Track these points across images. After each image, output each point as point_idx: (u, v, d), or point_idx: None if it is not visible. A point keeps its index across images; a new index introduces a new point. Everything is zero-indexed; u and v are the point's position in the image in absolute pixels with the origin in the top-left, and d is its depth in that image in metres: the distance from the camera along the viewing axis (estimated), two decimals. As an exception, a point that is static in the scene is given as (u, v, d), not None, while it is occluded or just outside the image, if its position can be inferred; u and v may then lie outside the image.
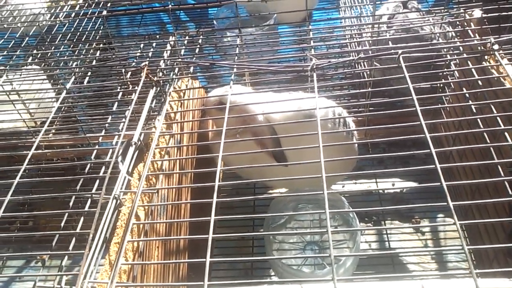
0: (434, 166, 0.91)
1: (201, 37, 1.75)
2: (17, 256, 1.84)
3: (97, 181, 1.17)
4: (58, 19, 1.95)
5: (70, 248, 1.19)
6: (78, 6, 2.02)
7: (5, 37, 1.96)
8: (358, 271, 1.52)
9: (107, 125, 1.58)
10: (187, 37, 1.75)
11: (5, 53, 1.87)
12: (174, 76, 1.47)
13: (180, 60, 1.52)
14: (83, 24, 2.26)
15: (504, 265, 1.26)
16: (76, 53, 2.01)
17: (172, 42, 1.63)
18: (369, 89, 1.67)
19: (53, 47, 1.93)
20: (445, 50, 1.70)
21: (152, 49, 1.65)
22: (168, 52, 1.57)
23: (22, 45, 1.98)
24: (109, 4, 1.86)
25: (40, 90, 1.88)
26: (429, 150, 0.94)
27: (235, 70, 1.33)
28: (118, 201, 1.02)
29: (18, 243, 1.95)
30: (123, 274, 0.91)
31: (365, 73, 1.99)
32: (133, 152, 1.13)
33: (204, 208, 0.97)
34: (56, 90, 2.01)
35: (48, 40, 1.93)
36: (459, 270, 1.60)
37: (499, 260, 1.30)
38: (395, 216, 1.83)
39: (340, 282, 0.75)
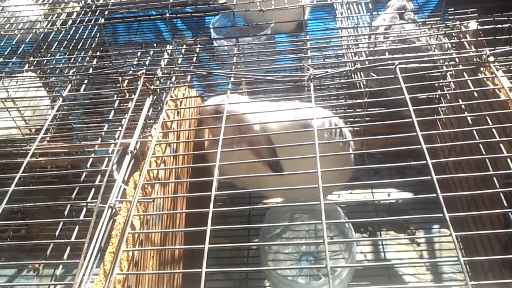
0: (430, 177, 0.91)
1: (198, 45, 1.75)
2: (9, 265, 1.82)
3: (93, 190, 1.16)
4: (54, 26, 1.95)
5: (65, 257, 1.18)
6: (75, 14, 2.02)
7: (1, 44, 1.96)
8: (354, 281, 1.52)
9: (103, 133, 1.58)
10: (184, 46, 1.75)
11: (0, 60, 1.86)
12: (171, 85, 1.47)
13: (177, 68, 1.52)
14: (79, 32, 2.26)
15: (499, 276, 1.26)
16: (72, 61, 2.00)
17: (169, 51, 1.63)
18: (366, 100, 1.68)
19: (49, 55, 1.93)
20: (441, 61, 1.71)
21: (149, 57, 1.64)
22: (165, 60, 1.57)
23: (18, 52, 1.97)
24: (106, 12, 1.86)
25: (35, 98, 1.87)
26: (425, 161, 0.94)
27: (232, 79, 1.33)
28: (114, 210, 1.01)
29: (10, 252, 1.92)
30: (117, 284, 0.91)
31: (361, 83, 2.00)
32: (129, 160, 1.12)
33: (200, 218, 0.97)
34: (52, 98, 2.00)
35: (44, 47, 1.93)
36: (455, 282, 1.59)
37: (494, 272, 1.30)
38: (391, 227, 1.83)
39: (337, 294, 0.75)
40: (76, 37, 2.21)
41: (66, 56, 2.07)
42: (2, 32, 1.87)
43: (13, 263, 1.83)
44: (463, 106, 1.43)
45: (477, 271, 1.42)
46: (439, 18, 1.66)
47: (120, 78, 1.43)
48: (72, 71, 1.88)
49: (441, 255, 1.72)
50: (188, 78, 1.56)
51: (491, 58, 1.27)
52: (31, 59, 1.91)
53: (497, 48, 1.31)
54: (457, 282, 1.59)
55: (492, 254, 1.31)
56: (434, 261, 1.71)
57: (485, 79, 1.30)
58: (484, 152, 1.26)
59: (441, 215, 0.84)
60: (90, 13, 1.91)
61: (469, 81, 1.33)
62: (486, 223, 1.36)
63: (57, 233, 1.40)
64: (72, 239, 1.20)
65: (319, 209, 0.89)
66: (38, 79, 1.94)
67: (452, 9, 1.80)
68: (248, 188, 1.64)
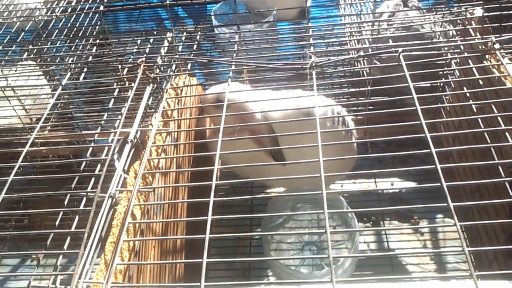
0: (434, 166, 0.89)
1: (199, 33, 1.73)
2: (12, 255, 1.82)
3: (93, 179, 1.15)
4: (54, 14, 1.93)
5: (65, 247, 1.17)
6: (75, 1, 2.00)
7: (1, 32, 1.94)
8: (357, 271, 1.51)
9: (103, 122, 1.56)
10: (185, 33, 1.73)
11: (0, 48, 1.84)
12: (171, 73, 1.45)
13: (177, 56, 1.50)
14: (79, 20, 2.23)
15: (504, 266, 1.25)
16: (72, 49, 1.98)
17: (169, 38, 1.61)
18: (369, 88, 1.66)
19: (49, 43, 1.90)
20: (445, 48, 1.68)
21: (149, 45, 1.63)
22: (166, 48, 1.55)
23: (18, 40, 1.95)
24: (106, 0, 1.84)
25: (35, 86, 1.85)
26: (429, 150, 0.93)
27: (233, 67, 1.31)
28: (114, 199, 1.00)
29: (13, 241, 1.93)
30: (118, 274, 0.90)
31: (364, 71, 1.98)
32: (129, 149, 1.11)
33: (201, 207, 0.96)
34: (52, 86, 1.98)
35: (44, 35, 1.91)
36: (459, 272, 1.58)
37: (499, 262, 1.29)
38: (394, 216, 1.82)
39: (339, 284, 0.74)
40: (76, 25, 2.18)
41: (66, 44, 2.05)
42: (1, 20, 1.85)
43: (15, 253, 1.83)
44: (467, 94, 1.41)
45: (481, 261, 1.41)
46: (443, 5, 1.63)
47: (120, 66, 1.41)
48: (72, 59, 1.86)
49: (445, 245, 1.71)
50: (189, 66, 1.54)
51: (497, 45, 1.24)
52: (31, 47, 1.89)
53: (503, 35, 1.29)
54: (461, 272, 1.58)
55: (497, 244, 1.30)
56: (438, 251, 1.70)
57: (490, 66, 1.28)
58: (489, 141, 1.24)
59: (445, 204, 0.83)
60: (90, 0, 1.88)
61: (474, 69, 1.31)
62: (491, 212, 1.35)
63: (57, 222, 1.39)
64: (73, 229, 1.19)
65: (322, 199, 0.87)
66: (38, 67, 1.92)
67: (457, -5, 1.77)
68: (250, 177, 1.63)
